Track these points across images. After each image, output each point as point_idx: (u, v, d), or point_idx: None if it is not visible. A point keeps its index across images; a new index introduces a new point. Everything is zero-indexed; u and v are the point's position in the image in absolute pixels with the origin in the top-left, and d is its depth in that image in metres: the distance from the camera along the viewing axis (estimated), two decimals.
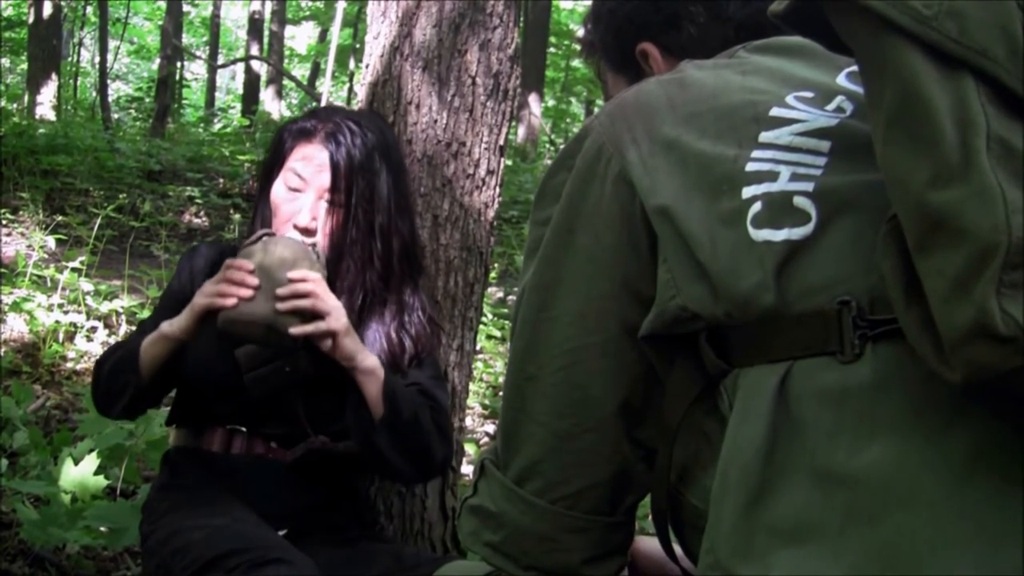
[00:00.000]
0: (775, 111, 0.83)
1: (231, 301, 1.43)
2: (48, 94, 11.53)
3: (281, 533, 1.49)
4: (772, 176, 0.79)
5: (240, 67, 20.27)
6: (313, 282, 1.46)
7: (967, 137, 0.59)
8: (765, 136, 0.82)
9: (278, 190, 1.58)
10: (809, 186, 0.78)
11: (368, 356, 1.51)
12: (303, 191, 1.56)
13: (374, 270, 1.58)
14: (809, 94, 0.85)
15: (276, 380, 1.56)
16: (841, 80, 0.87)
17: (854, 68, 0.87)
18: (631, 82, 1.09)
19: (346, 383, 1.52)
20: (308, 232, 1.55)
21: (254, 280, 1.44)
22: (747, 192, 0.79)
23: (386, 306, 1.61)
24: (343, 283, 1.58)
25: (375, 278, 1.58)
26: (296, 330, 1.44)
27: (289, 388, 1.57)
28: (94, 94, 16.12)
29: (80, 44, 19.93)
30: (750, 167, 0.80)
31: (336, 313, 1.47)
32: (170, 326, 1.52)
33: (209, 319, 1.48)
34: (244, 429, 1.59)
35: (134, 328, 3.89)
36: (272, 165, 1.63)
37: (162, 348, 1.53)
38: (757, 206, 0.79)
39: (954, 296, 0.60)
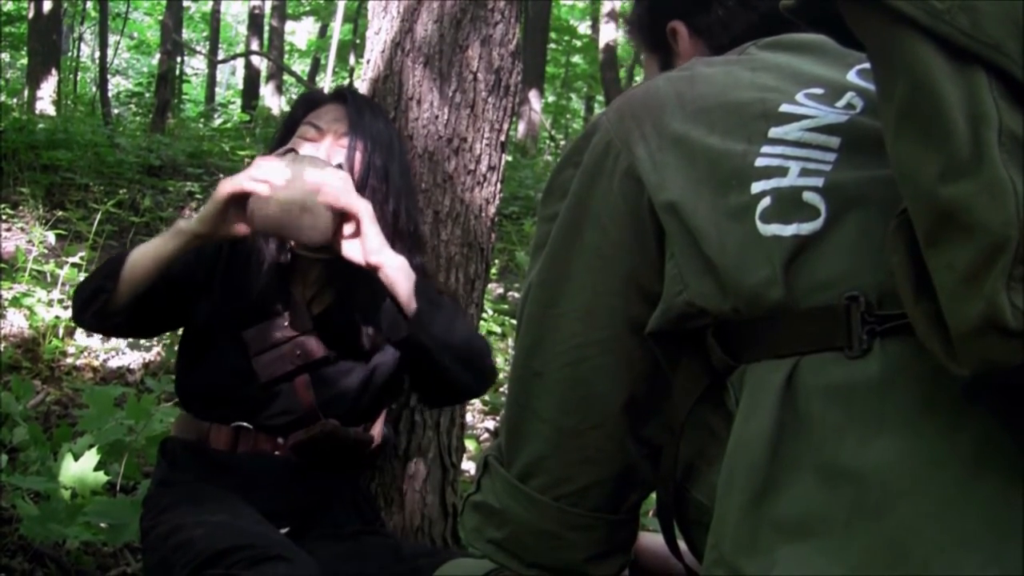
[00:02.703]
0: (784, 107, 0.83)
1: (264, 187, 1.38)
2: (48, 89, 11.51)
3: (283, 531, 1.49)
4: (781, 171, 0.79)
5: (240, 62, 20.26)
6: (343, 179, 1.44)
7: (978, 131, 0.59)
8: (774, 132, 0.82)
9: (293, 144, 1.58)
10: (818, 181, 0.77)
11: (395, 254, 1.47)
12: (318, 141, 1.56)
13: (386, 224, 1.54)
14: (819, 91, 0.85)
15: (284, 363, 1.54)
16: (851, 77, 0.87)
17: (865, 65, 0.87)
18: (662, 62, 1.11)
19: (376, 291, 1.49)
20: None
21: (287, 171, 1.40)
22: (756, 187, 0.79)
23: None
24: None
25: (387, 231, 1.53)
26: (327, 199, 1.39)
27: (297, 371, 1.56)
28: (94, 89, 16.09)
29: (80, 39, 19.90)
30: (759, 162, 0.80)
31: (365, 203, 1.45)
32: (187, 221, 1.46)
33: (232, 217, 1.44)
34: (250, 426, 1.57)
35: None
36: (284, 134, 1.63)
37: (172, 246, 1.47)
38: (766, 201, 0.78)
39: (964, 290, 0.60)
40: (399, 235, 1.57)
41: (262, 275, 1.57)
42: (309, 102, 1.64)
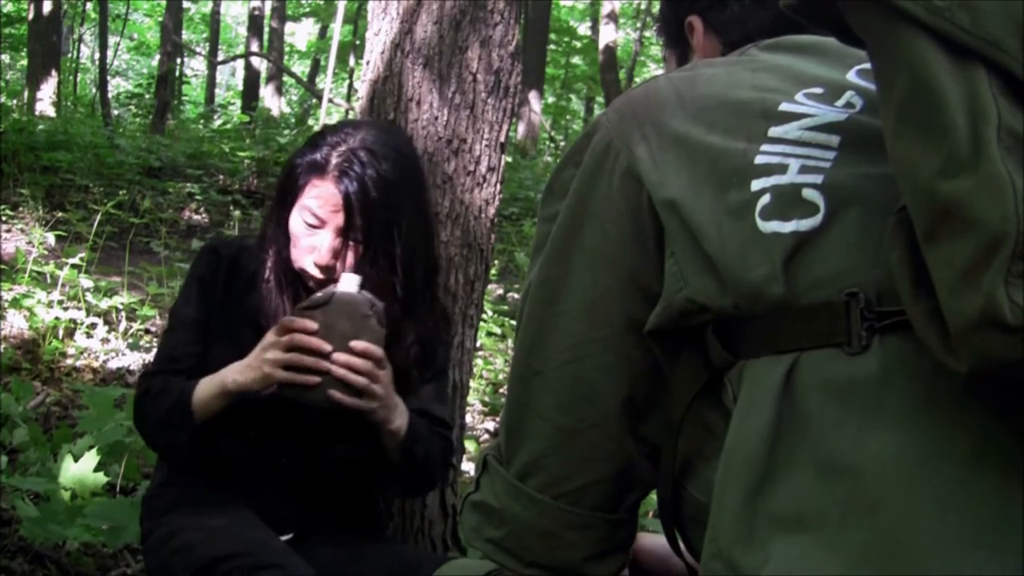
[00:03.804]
0: (784, 106, 0.84)
1: (314, 379, 1.40)
2: (48, 90, 11.53)
3: (286, 537, 1.49)
4: (781, 169, 0.79)
5: (240, 63, 20.29)
6: (371, 360, 1.42)
7: (978, 127, 0.59)
8: (774, 131, 0.82)
9: (296, 224, 1.52)
10: (818, 179, 0.78)
11: (396, 418, 1.49)
12: (321, 228, 1.50)
13: (396, 302, 1.52)
14: (818, 90, 0.85)
15: (294, 394, 1.53)
16: (851, 76, 0.87)
17: (865, 65, 0.87)
18: (680, 58, 1.12)
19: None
20: (328, 269, 1.50)
21: (326, 365, 1.40)
22: (756, 184, 0.79)
23: (407, 336, 1.55)
24: None
25: (397, 309, 1.52)
26: (337, 397, 1.41)
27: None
28: (94, 90, 16.13)
29: (80, 40, 19.93)
30: (759, 160, 0.81)
31: (380, 400, 1.44)
32: (235, 383, 1.47)
33: None
34: (255, 435, 1.55)
35: (137, 326, 3.90)
36: (285, 196, 1.56)
37: (225, 401, 1.48)
38: (766, 198, 0.79)
39: (962, 285, 0.60)
40: (411, 303, 1.55)
41: (269, 302, 1.56)
42: (309, 167, 1.52)
